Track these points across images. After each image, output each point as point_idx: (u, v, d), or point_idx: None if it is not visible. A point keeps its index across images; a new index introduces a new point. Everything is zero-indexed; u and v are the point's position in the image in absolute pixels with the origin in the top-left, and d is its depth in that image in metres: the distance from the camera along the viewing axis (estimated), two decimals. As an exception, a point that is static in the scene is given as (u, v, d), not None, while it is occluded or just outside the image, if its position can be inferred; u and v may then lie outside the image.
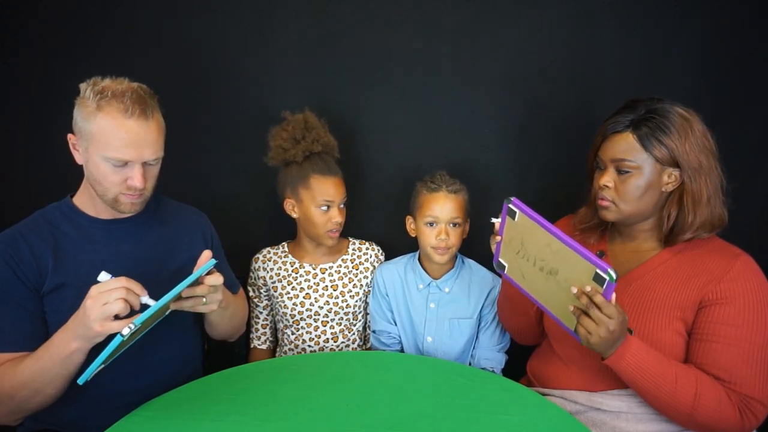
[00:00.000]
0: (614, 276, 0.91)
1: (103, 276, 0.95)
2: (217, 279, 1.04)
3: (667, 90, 1.50)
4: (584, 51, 1.53)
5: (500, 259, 1.17)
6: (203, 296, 1.03)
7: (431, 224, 1.38)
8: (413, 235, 1.46)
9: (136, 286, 0.94)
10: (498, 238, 1.11)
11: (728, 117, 1.50)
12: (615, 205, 1.12)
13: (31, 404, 1.03)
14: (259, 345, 1.58)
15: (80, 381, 0.90)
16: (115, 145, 1.02)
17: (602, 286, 0.93)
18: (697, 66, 1.51)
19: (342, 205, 1.47)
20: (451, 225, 1.38)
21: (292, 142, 1.42)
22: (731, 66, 1.50)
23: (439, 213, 1.37)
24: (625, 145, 1.08)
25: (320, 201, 1.42)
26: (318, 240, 1.48)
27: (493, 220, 1.14)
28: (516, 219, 1.07)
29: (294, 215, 1.48)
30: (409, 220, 1.47)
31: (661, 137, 1.05)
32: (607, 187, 1.11)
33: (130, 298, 0.92)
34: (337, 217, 1.44)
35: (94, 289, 0.93)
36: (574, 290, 0.96)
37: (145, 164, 1.07)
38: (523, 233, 1.07)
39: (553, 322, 1.15)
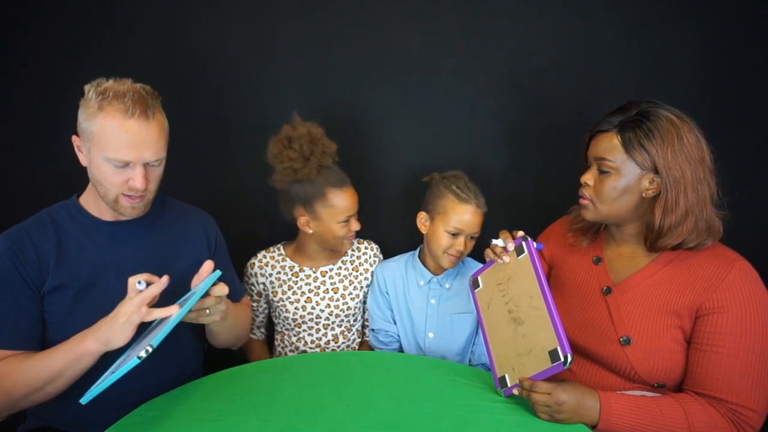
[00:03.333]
0: (569, 363, 0.96)
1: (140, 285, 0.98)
2: (223, 290, 1.04)
3: (667, 90, 1.51)
4: (584, 51, 1.53)
5: (479, 278, 1.18)
6: (207, 308, 1.04)
7: (453, 234, 1.36)
8: (423, 231, 1.44)
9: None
10: (506, 258, 1.12)
11: (728, 117, 1.51)
12: (593, 204, 1.12)
13: (27, 401, 1.03)
14: (254, 338, 1.58)
15: (83, 401, 0.88)
16: (116, 146, 1.02)
17: (551, 363, 0.97)
18: (697, 66, 1.51)
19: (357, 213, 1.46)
20: (470, 237, 1.38)
21: (302, 161, 1.34)
22: (731, 66, 1.50)
23: (466, 227, 1.35)
24: (608, 145, 1.07)
25: (342, 217, 1.39)
26: (335, 248, 1.46)
27: (495, 241, 1.15)
28: (519, 258, 1.09)
29: (308, 231, 1.43)
30: (422, 216, 1.43)
31: (644, 142, 1.04)
32: (587, 184, 1.12)
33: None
34: (355, 225, 1.43)
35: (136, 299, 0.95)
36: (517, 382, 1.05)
37: (146, 165, 1.07)
38: (516, 272, 1.09)
39: None
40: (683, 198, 1.04)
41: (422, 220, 1.43)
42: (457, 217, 1.34)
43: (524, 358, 1.03)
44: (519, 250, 1.10)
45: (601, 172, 1.09)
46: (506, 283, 1.11)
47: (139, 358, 0.86)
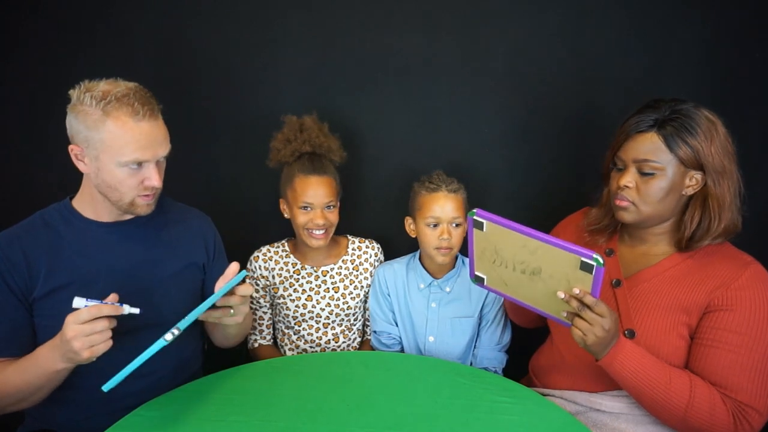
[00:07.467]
0: (601, 260, 0.89)
1: (77, 302, 0.94)
2: (248, 289, 1.04)
3: (667, 90, 1.50)
4: (585, 51, 1.53)
5: (476, 273, 1.16)
6: (231, 307, 1.04)
7: (433, 225, 1.38)
8: (413, 236, 1.46)
9: (111, 309, 0.93)
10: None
11: (728, 117, 1.50)
12: (635, 206, 1.09)
13: (12, 408, 1.05)
14: (264, 343, 1.56)
15: (105, 388, 0.89)
16: (132, 149, 1.02)
17: (591, 274, 0.91)
18: (697, 66, 1.51)
19: (328, 208, 1.43)
20: (453, 225, 1.37)
21: (284, 143, 1.43)
22: (731, 66, 1.50)
23: (441, 213, 1.36)
24: (649, 146, 1.05)
25: (301, 202, 1.40)
26: (303, 239, 1.46)
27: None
28: (485, 230, 1.05)
29: (286, 215, 1.48)
30: (408, 221, 1.46)
31: (687, 138, 1.03)
32: (627, 187, 1.09)
33: (111, 324, 0.94)
34: (318, 218, 1.40)
35: (72, 320, 0.91)
36: (562, 295, 0.96)
37: (157, 162, 1.08)
38: (495, 242, 1.06)
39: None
40: (727, 191, 1.05)
41: (409, 225, 1.46)
42: (429, 206, 1.37)
43: (569, 289, 0.98)
44: (478, 225, 1.06)
45: (644, 174, 1.07)
46: (497, 255, 1.07)
47: (165, 340, 0.87)
